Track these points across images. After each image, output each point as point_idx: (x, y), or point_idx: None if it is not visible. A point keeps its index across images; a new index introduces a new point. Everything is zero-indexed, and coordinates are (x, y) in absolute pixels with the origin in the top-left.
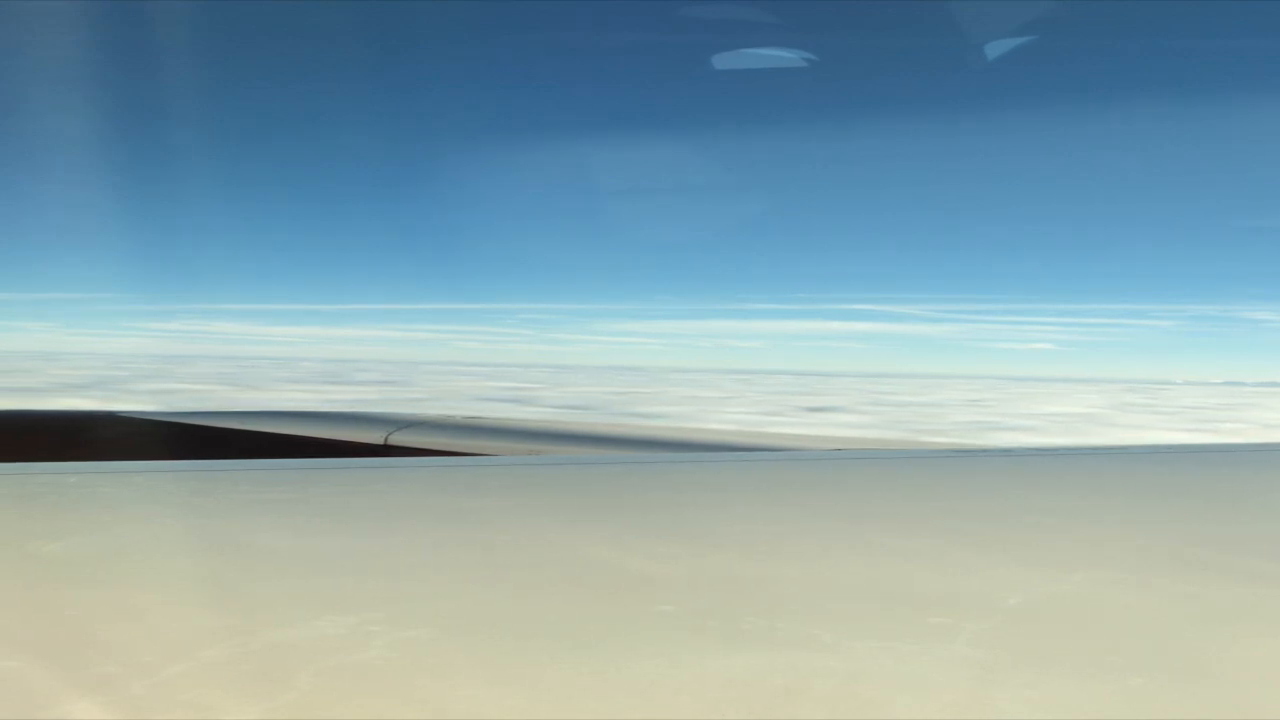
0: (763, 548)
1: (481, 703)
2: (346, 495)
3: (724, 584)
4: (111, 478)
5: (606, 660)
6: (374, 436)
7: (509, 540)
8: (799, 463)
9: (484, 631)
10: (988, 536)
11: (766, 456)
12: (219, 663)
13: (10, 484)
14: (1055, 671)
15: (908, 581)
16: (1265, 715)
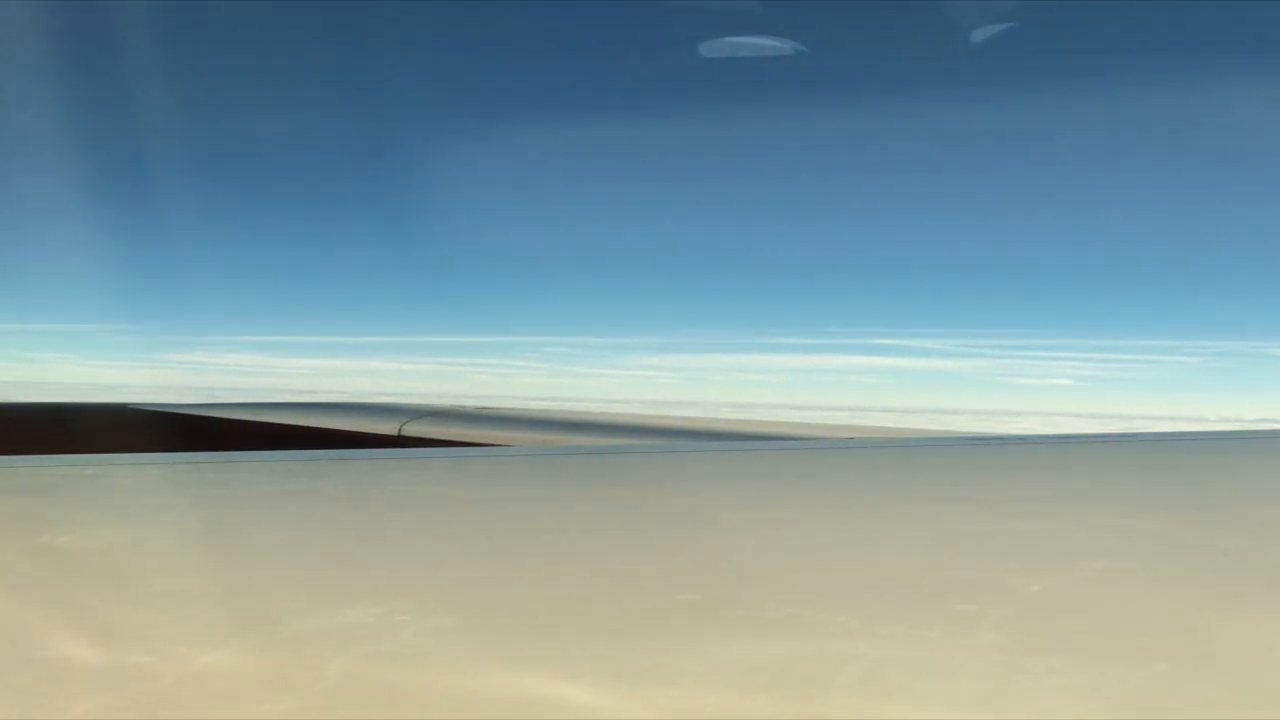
0: (784, 535)
1: (512, 691)
2: (364, 486)
3: (746, 572)
4: (127, 469)
5: (631, 649)
6: (387, 427)
7: (528, 529)
8: (818, 450)
9: (509, 621)
10: (1008, 524)
11: (785, 445)
12: (250, 652)
13: (26, 475)
14: (1082, 658)
15: (930, 568)
16: None
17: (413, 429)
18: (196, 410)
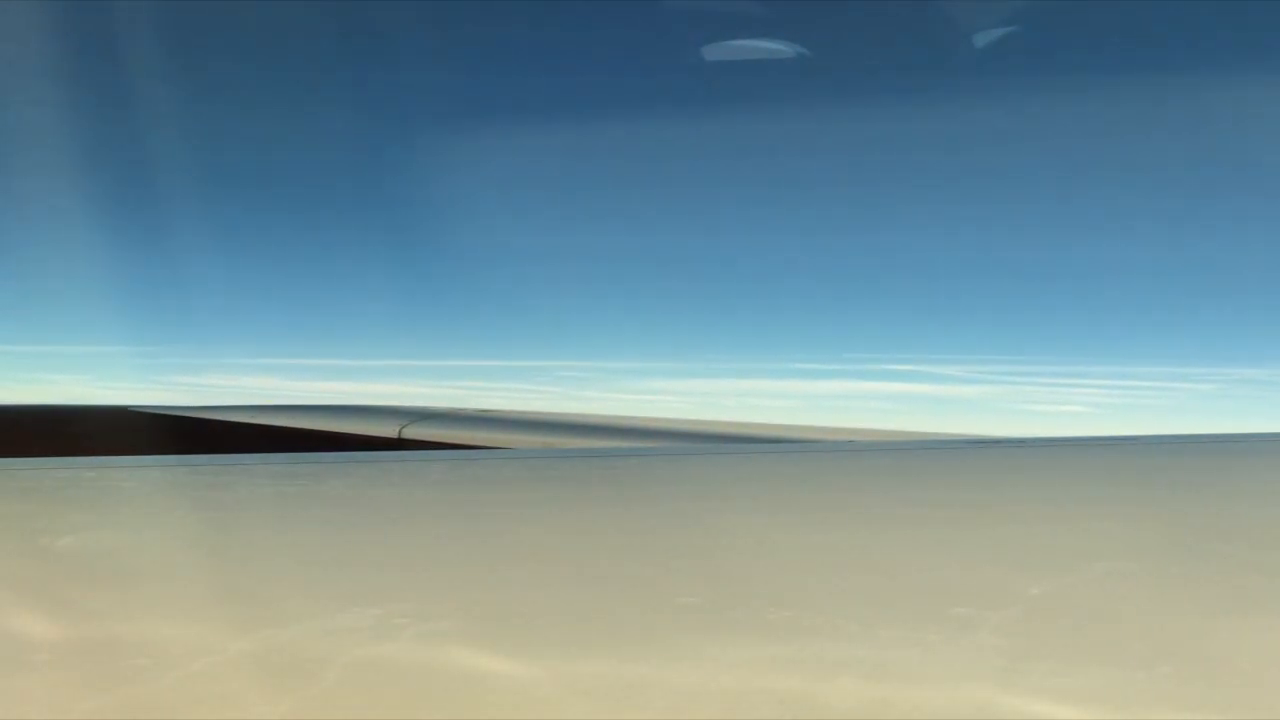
0: (782, 539)
1: (511, 694)
2: (364, 489)
3: (745, 575)
4: (128, 472)
5: (631, 651)
6: (387, 430)
7: (528, 532)
8: (816, 454)
9: (509, 623)
10: (1007, 527)
11: (784, 448)
12: (247, 656)
13: (27, 478)
14: (1081, 660)
15: (928, 572)
16: None
17: (413, 431)
18: (197, 413)
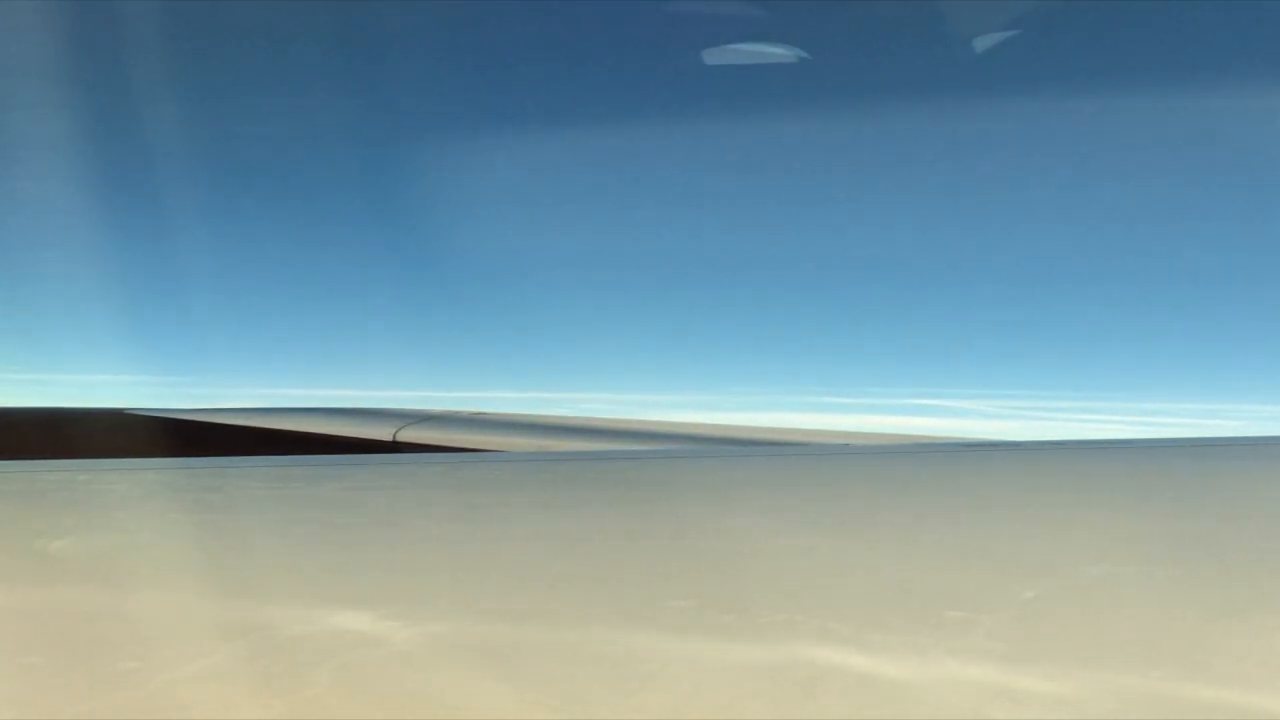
0: (775, 542)
1: (502, 697)
2: (358, 491)
3: (738, 578)
4: (122, 474)
5: (624, 654)
6: (382, 432)
7: (521, 535)
8: (810, 457)
9: (501, 626)
10: (1001, 530)
11: (778, 451)
12: (239, 658)
13: (21, 481)
14: (1075, 663)
15: (922, 575)
16: None
17: (408, 434)
18: (192, 415)
